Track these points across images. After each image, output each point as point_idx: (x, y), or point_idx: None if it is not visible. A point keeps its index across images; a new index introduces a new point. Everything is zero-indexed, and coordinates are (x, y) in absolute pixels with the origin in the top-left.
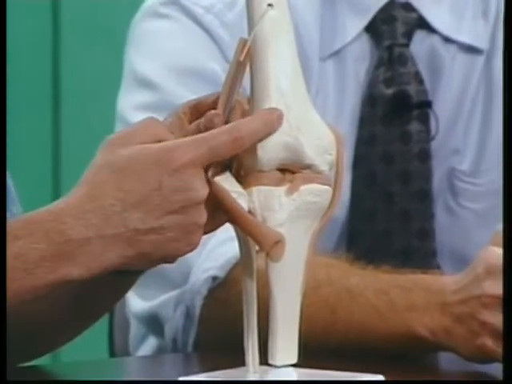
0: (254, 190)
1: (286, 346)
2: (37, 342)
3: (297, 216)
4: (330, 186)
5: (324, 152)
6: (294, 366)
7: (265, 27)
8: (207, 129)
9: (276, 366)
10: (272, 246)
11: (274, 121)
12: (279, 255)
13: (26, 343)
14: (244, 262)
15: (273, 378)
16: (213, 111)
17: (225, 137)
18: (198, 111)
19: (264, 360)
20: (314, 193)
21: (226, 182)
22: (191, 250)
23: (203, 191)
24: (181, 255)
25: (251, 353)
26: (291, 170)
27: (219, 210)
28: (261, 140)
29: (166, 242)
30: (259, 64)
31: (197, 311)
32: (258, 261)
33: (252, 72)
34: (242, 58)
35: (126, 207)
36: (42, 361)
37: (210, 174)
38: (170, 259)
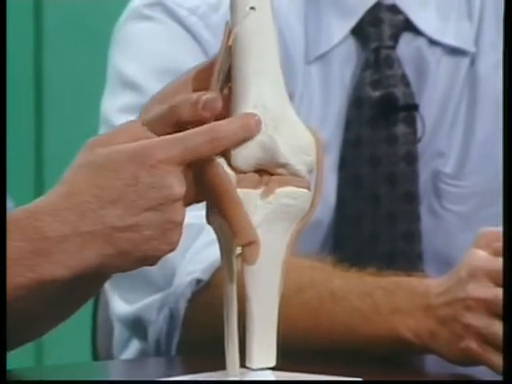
0: None
1: (262, 348)
2: (18, 332)
3: (273, 219)
4: (307, 188)
5: (301, 152)
6: (272, 369)
7: (246, 28)
8: (205, 110)
9: (252, 369)
10: (246, 243)
11: (253, 125)
12: (254, 257)
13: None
14: (224, 266)
15: (251, 380)
16: (210, 95)
17: (202, 137)
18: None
19: (245, 363)
20: (290, 196)
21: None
22: (171, 250)
23: (179, 189)
24: (161, 255)
25: (231, 356)
26: (269, 172)
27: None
28: (240, 143)
29: (144, 241)
30: (239, 63)
31: (181, 314)
32: (239, 264)
33: (232, 71)
34: (230, 43)
35: (102, 204)
36: (24, 364)
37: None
38: (151, 260)
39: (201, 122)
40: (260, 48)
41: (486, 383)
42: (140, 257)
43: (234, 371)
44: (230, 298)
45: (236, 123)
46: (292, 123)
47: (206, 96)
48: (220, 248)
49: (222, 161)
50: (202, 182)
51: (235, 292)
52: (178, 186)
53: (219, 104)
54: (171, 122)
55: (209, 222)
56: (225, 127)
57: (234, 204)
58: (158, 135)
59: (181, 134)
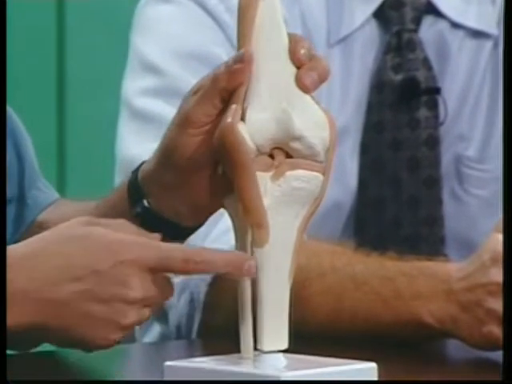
0: None
1: (273, 331)
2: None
3: (283, 202)
4: (319, 172)
5: (316, 127)
6: (285, 351)
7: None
8: (236, 60)
9: (263, 352)
10: (254, 223)
11: (242, 269)
12: (263, 240)
13: None
14: (238, 249)
15: (262, 363)
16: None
17: (180, 254)
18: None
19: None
20: (301, 179)
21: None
22: (104, 346)
23: (137, 293)
24: (92, 346)
25: (245, 338)
26: (283, 152)
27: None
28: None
29: (84, 326)
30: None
31: (201, 298)
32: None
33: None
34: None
35: (64, 276)
36: (47, 347)
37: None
38: (82, 346)
39: (239, 81)
40: (267, 31)
41: (486, 383)
42: (75, 338)
43: (248, 353)
44: (244, 281)
45: (221, 258)
46: (305, 102)
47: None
48: (234, 232)
49: (245, 131)
50: (222, 154)
51: None
52: (136, 288)
53: (249, 54)
54: (216, 93)
55: (224, 206)
56: (208, 255)
57: (250, 180)
58: (208, 113)
59: (161, 243)
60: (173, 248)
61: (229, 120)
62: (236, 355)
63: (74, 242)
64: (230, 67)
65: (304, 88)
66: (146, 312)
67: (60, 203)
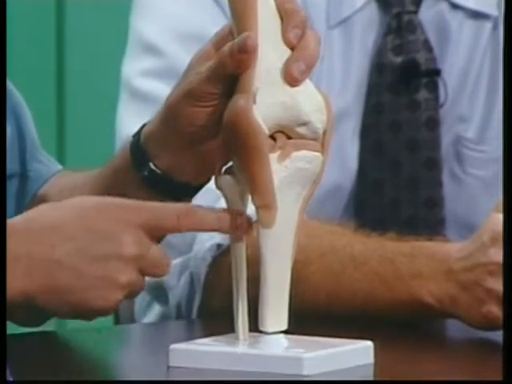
0: None
1: (276, 312)
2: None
3: (288, 183)
4: (319, 152)
5: (318, 111)
6: (285, 332)
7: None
8: (240, 50)
9: (267, 333)
10: (262, 204)
11: (232, 224)
12: (270, 221)
13: None
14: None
15: (263, 344)
16: (246, 33)
17: (171, 209)
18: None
19: (253, 327)
20: (305, 159)
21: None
22: (106, 306)
23: (130, 249)
24: (94, 308)
25: (241, 320)
26: (285, 134)
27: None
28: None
29: (82, 287)
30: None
31: (201, 278)
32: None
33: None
34: None
35: (58, 237)
36: (47, 327)
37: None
38: (83, 308)
39: (245, 67)
40: (263, 14)
41: (486, 383)
42: (74, 302)
43: (243, 335)
44: (240, 261)
45: (215, 214)
46: (305, 85)
47: (236, 40)
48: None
49: (259, 116)
50: (235, 137)
51: (244, 256)
52: (130, 245)
53: (252, 44)
54: (221, 77)
55: (217, 185)
56: (200, 210)
57: (264, 164)
58: (214, 92)
59: (154, 202)
60: (165, 205)
61: (243, 104)
62: (232, 335)
63: (66, 207)
64: (234, 55)
65: (292, 80)
66: (141, 277)
67: (61, 175)
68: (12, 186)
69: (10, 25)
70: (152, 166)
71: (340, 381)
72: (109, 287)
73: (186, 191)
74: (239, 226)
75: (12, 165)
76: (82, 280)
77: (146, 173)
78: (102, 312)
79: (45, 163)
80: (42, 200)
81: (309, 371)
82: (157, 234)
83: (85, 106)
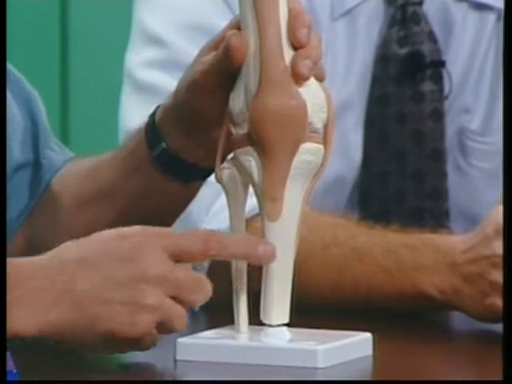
0: (255, 149)
1: (280, 305)
2: None
3: (295, 175)
4: (321, 144)
5: (319, 110)
6: (287, 325)
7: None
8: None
9: (271, 326)
10: (270, 197)
11: (255, 252)
12: (277, 214)
13: None
14: (232, 220)
15: (266, 337)
16: (232, 31)
17: (200, 234)
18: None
19: (253, 320)
20: (310, 152)
21: None
22: (134, 332)
23: (155, 270)
24: (122, 335)
25: (241, 312)
26: None
27: None
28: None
29: (109, 315)
30: (251, 27)
31: (205, 269)
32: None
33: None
34: None
35: (81, 267)
36: None
37: None
38: (112, 336)
39: (238, 64)
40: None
41: (485, 383)
42: (101, 331)
43: (243, 328)
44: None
45: (238, 240)
46: (308, 82)
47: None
48: (228, 204)
49: None
50: (282, 129)
51: None
52: (154, 267)
53: (236, 39)
54: (221, 71)
55: (217, 178)
56: (224, 237)
57: (293, 154)
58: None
59: (179, 234)
60: (190, 231)
61: (298, 100)
62: (230, 327)
63: (88, 241)
64: (224, 53)
65: (299, 75)
66: (168, 299)
67: (73, 163)
68: (26, 175)
69: (15, 17)
70: (164, 145)
71: (341, 381)
72: (135, 311)
73: (195, 173)
74: (262, 254)
75: (26, 154)
76: (107, 307)
77: (157, 151)
78: (133, 339)
79: (57, 151)
80: (56, 196)
81: (323, 364)
82: (183, 259)
83: (89, 96)
